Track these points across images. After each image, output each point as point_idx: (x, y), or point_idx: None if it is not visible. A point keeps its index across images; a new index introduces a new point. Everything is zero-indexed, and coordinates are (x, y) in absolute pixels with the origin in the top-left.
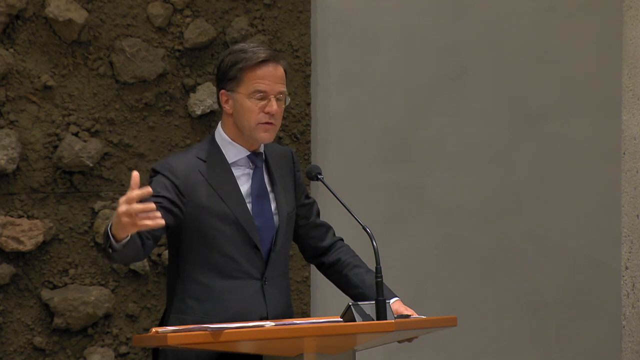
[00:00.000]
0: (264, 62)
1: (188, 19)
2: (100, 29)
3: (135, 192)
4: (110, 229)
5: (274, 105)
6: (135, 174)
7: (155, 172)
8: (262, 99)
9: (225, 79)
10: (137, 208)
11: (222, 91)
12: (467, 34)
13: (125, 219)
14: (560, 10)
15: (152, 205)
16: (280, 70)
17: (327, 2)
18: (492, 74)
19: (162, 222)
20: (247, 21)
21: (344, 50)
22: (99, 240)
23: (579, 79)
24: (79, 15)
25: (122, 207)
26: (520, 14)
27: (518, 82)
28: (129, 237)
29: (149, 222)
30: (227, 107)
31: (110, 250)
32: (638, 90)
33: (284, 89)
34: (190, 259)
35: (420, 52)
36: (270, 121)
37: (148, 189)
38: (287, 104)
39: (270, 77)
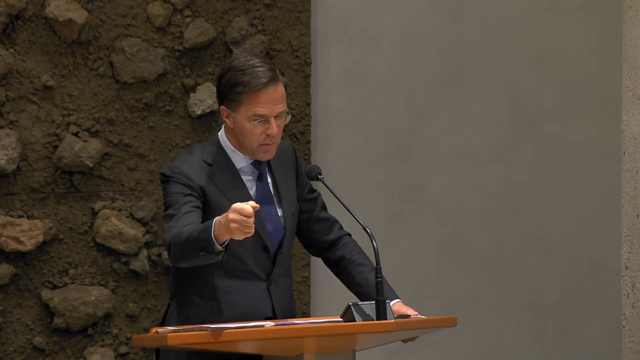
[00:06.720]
0: (264, 87)
1: (188, 19)
2: (100, 29)
3: (252, 205)
4: (210, 234)
5: (274, 128)
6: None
7: (166, 177)
8: (262, 123)
9: (225, 98)
10: (250, 220)
11: (223, 107)
12: (467, 34)
13: (234, 225)
14: (560, 10)
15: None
16: (280, 90)
17: (327, 2)
18: (492, 74)
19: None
20: (247, 21)
21: (344, 50)
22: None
23: (579, 79)
24: (79, 15)
25: (236, 216)
26: (520, 14)
27: (518, 82)
28: (228, 239)
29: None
30: (228, 122)
31: (210, 255)
32: (638, 90)
33: (283, 108)
34: None
35: (420, 52)
36: (270, 142)
37: (257, 205)
38: (287, 121)
39: (271, 101)
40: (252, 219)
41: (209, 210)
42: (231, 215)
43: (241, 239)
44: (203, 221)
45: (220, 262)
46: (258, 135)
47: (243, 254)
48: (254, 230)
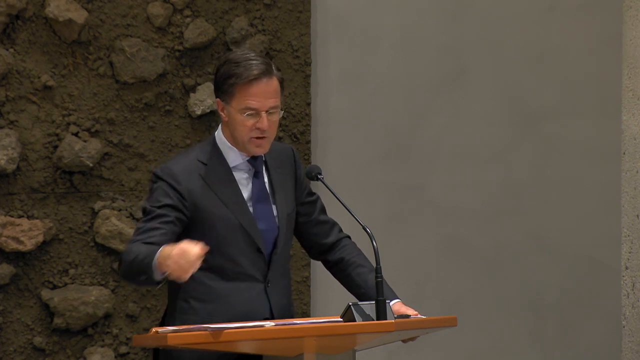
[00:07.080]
0: (256, 78)
1: (188, 19)
2: (100, 29)
3: (198, 250)
4: (153, 262)
5: (264, 122)
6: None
7: (156, 178)
8: (253, 116)
9: (220, 90)
10: (194, 265)
11: (218, 100)
12: (467, 34)
13: (173, 267)
14: (560, 10)
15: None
16: (273, 84)
17: (327, 2)
18: (492, 74)
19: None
20: (247, 21)
21: (344, 50)
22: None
23: (579, 79)
24: (79, 15)
25: (178, 259)
26: (520, 14)
27: (518, 82)
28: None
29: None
30: (223, 115)
31: (150, 280)
32: (638, 90)
33: (276, 103)
34: None
35: (420, 52)
36: (262, 136)
37: (206, 248)
38: (280, 116)
39: (262, 93)
40: (194, 266)
41: (198, 211)
42: (175, 252)
43: (174, 279)
44: (187, 227)
45: (216, 265)
46: (249, 128)
47: (237, 257)
48: (189, 275)
